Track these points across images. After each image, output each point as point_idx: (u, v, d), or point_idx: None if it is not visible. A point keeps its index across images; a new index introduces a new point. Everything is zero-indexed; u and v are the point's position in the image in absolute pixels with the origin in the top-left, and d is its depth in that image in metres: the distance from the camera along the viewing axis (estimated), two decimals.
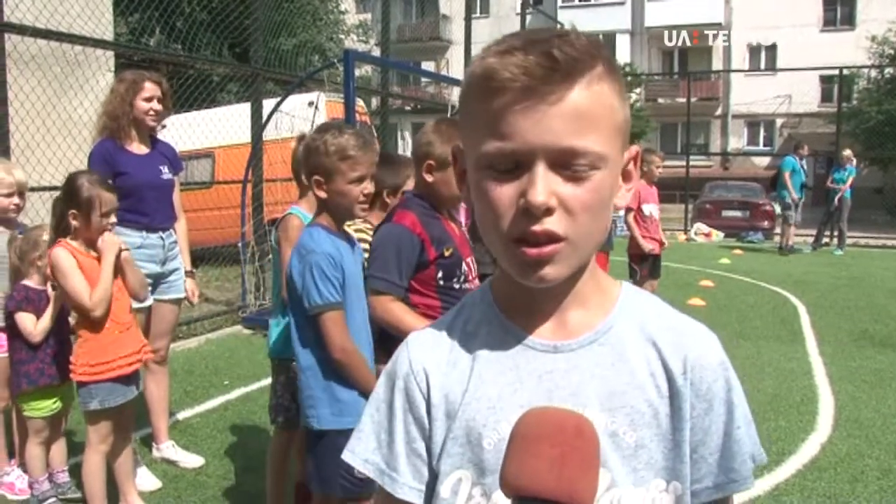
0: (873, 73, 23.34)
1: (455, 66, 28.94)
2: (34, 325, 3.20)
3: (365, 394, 2.26)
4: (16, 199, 3.50)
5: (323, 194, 2.34)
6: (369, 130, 8.80)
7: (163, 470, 3.79)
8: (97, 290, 2.93)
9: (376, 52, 11.71)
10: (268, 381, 3.53)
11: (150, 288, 3.66)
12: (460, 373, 0.88)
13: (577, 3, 30.60)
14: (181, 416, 4.60)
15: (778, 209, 14.00)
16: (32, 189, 4.09)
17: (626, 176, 0.88)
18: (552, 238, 0.78)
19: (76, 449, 3.49)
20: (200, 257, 7.48)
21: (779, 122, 29.32)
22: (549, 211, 0.78)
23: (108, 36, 7.49)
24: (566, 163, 0.78)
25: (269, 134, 7.43)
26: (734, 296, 8.91)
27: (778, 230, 14.42)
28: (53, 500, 3.31)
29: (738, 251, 13.62)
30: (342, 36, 20.33)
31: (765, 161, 27.14)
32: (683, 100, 20.49)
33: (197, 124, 8.26)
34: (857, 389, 5.19)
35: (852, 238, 14.15)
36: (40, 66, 5.88)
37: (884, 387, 5.27)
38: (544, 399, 0.84)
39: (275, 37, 10.37)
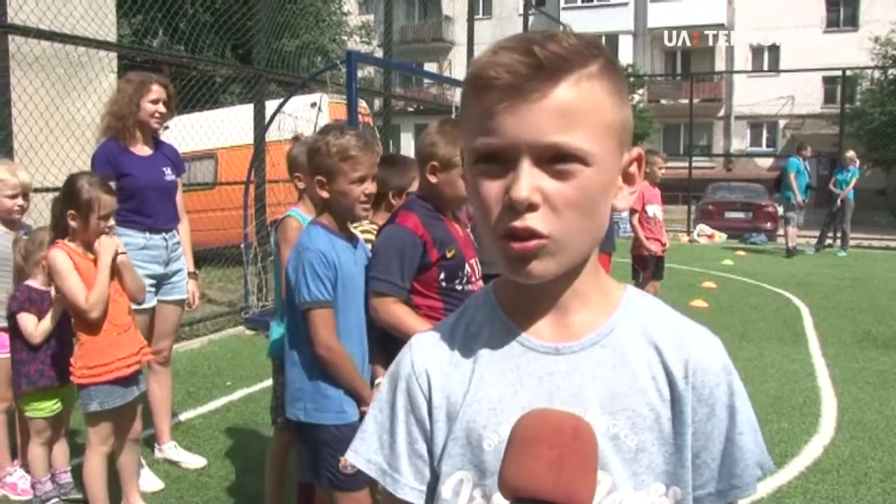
0: (876, 74, 23.30)
1: (458, 67, 28.89)
2: (35, 326, 3.21)
3: (349, 392, 2.29)
4: (20, 201, 3.51)
5: (325, 194, 2.35)
6: (372, 132, 8.81)
7: (165, 471, 3.80)
8: (93, 292, 2.92)
9: (379, 54, 11.69)
10: (270, 381, 3.54)
11: (152, 289, 3.67)
12: (462, 374, 0.88)
13: (579, 4, 30.55)
14: (183, 416, 4.60)
15: (780, 210, 13.98)
16: (36, 190, 4.10)
17: (628, 178, 0.87)
18: (533, 234, 0.79)
19: (78, 450, 3.49)
20: (203, 258, 7.50)
21: (782, 123, 29.24)
22: (532, 207, 0.78)
23: (112, 37, 7.51)
24: (551, 159, 0.78)
25: (271, 135, 7.43)
26: (737, 297, 8.89)
27: (781, 232, 14.39)
28: (56, 500, 3.32)
29: (740, 252, 13.60)
30: (345, 37, 20.31)
31: (768, 162, 27.07)
32: (686, 101, 20.48)
33: (200, 125, 8.26)
34: (861, 391, 5.18)
35: (855, 239, 14.11)
36: (44, 67, 5.89)
37: (887, 388, 5.25)
38: (545, 401, 0.84)
39: (278, 38, 10.37)
